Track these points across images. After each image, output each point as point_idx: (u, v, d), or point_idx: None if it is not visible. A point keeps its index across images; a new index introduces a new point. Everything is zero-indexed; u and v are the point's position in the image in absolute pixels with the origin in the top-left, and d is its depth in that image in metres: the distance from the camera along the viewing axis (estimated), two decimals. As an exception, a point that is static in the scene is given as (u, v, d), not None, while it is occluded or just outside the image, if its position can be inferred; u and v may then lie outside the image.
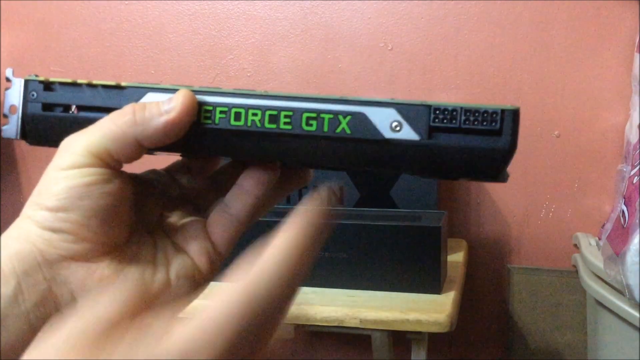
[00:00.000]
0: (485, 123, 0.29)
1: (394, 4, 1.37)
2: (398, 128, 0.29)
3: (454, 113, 0.29)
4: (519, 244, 1.40)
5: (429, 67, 1.37)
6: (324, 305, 1.00)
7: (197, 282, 0.35)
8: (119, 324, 0.23)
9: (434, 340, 1.23)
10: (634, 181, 1.03)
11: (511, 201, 1.38)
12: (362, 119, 0.30)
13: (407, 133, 0.29)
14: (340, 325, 0.99)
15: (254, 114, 0.31)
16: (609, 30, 1.28)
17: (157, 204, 0.37)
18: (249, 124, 0.31)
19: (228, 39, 1.45)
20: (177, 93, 0.32)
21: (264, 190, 0.36)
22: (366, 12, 1.38)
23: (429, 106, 0.29)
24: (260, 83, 1.44)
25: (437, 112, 0.29)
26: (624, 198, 1.05)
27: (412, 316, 0.96)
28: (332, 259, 1.06)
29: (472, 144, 0.29)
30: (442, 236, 1.03)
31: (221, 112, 0.31)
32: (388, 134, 0.30)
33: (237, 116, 0.31)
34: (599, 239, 1.25)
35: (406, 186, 1.21)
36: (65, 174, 0.31)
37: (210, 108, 0.31)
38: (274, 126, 0.31)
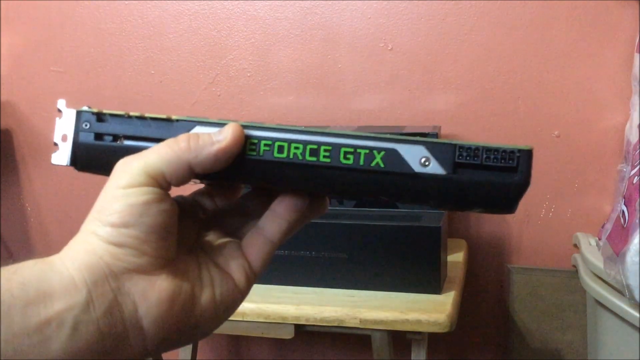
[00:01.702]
0: (503, 161, 0.34)
1: (394, 4, 1.37)
2: (427, 163, 0.33)
3: (477, 151, 0.33)
4: (519, 244, 1.40)
5: (429, 67, 1.37)
6: (324, 305, 1.00)
7: (235, 301, 0.39)
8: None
9: (434, 340, 1.23)
10: (634, 181, 1.03)
11: (511, 201, 1.38)
12: (394, 154, 0.33)
13: (435, 168, 0.33)
14: (340, 325, 0.99)
15: (296, 147, 0.34)
16: (609, 30, 1.28)
17: (194, 225, 0.41)
18: (291, 156, 0.34)
19: (228, 39, 1.45)
20: (227, 126, 0.35)
21: (297, 215, 0.39)
22: (366, 12, 1.38)
23: (454, 145, 0.33)
24: (260, 83, 1.44)
25: (462, 150, 0.33)
26: (624, 198, 1.05)
27: (412, 316, 0.96)
28: (332, 259, 1.06)
29: (491, 179, 0.34)
30: (442, 236, 1.03)
31: (266, 144, 0.35)
32: (417, 169, 0.33)
33: (280, 149, 0.35)
34: (599, 239, 1.25)
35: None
36: (124, 192, 0.34)
37: (256, 141, 0.35)
38: (314, 159, 0.35)
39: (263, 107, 1.45)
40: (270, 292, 1.06)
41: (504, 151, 0.34)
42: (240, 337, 1.57)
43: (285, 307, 1.00)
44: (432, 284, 1.03)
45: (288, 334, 1.03)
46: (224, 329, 1.07)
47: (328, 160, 0.34)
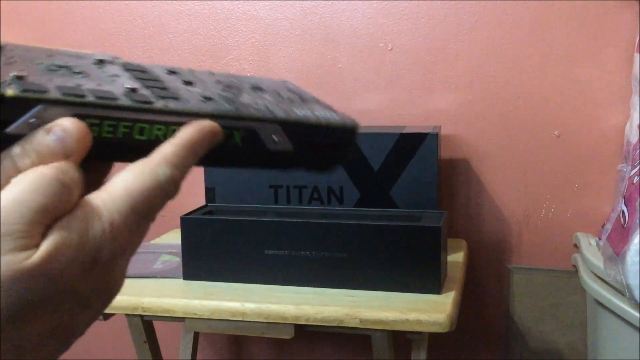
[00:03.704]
0: (338, 138, 0.38)
1: (394, 4, 1.37)
2: (279, 140, 0.36)
3: (318, 129, 0.37)
4: (519, 244, 1.40)
5: (429, 67, 1.37)
6: (324, 305, 1.00)
7: None
8: None
9: (434, 340, 1.23)
10: (634, 181, 1.03)
11: (511, 201, 1.38)
12: (252, 134, 0.35)
13: (284, 145, 0.36)
14: (340, 325, 0.99)
15: (159, 129, 0.32)
16: (609, 30, 1.28)
17: None
18: (152, 137, 0.32)
19: (228, 39, 1.45)
20: (68, 131, 0.28)
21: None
22: (366, 12, 1.38)
23: (302, 124, 0.36)
24: (260, 83, 1.44)
25: (308, 128, 0.37)
26: (624, 198, 1.05)
27: (412, 316, 0.96)
28: (332, 259, 1.06)
29: (328, 152, 0.38)
30: (442, 236, 1.03)
31: (125, 126, 0.31)
32: (271, 146, 0.36)
33: (142, 131, 0.32)
34: (599, 239, 1.25)
35: (406, 186, 1.21)
36: None
37: (115, 123, 0.31)
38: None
39: (263, 107, 1.45)
40: (270, 292, 1.06)
41: (339, 129, 0.38)
42: (240, 337, 1.57)
43: (285, 307, 1.00)
44: (432, 284, 1.02)
45: (288, 334, 1.03)
46: (224, 329, 1.07)
47: None
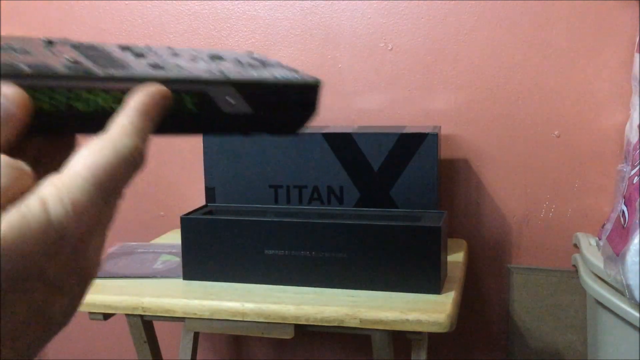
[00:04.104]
0: (300, 96, 0.37)
1: (394, 4, 1.37)
2: (233, 103, 0.34)
3: (277, 88, 0.35)
4: (519, 244, 1.40)
5: (429, 67, 1.37)
6: (324, 305, 1.00)
7: None
8: None
9: (434, 340, 1.23)
10: (634, 181, 1.03)
11: (511, 201, 1.38)
12: (204, 97, 0.34)
13: (241, 107, 0.34)
14: (340, 325, 0.99)
15: (103, 99, 0.31)
16: (609, 30, 1.28)
17: None
18: (98, 107, 0.31)
19: (228, 39, 1.45)
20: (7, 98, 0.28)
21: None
22: (366, 12, 1.38)
23: (258, 83, 0.35)
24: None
25: (265, 88, 0.35)
26: (624, 198, 1.05)
27: (412, 316, 0.96)
28: (332, 259, 1.06)
29: (289, 113, 0.37)
30: (442, 236, 1.03)
31: (65, 97, 0.30)
32: (226, 109, 0.34)
33: (84, 101, 0.31)
34: (599, 239, 1.25)
35: (406, 186, 1.21)
36: None
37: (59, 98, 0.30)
38: (119, 107, 0.32)
39: (263, 107, 1.45)
40: (270, 292, 1.06)
41: (299, 87, 0.37)
42: (240, 337, 1.57)
43: (285, 307, 1.00)
44: (432, 284, 1.03)
45: (288, 334, 1.03)
46: (224, 329, 1.07)
47: None
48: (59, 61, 0.31)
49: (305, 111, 0.37)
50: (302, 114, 0.37)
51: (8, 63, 0.29)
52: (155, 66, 0.34)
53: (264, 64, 0.39)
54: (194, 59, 0.37)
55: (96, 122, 0.30)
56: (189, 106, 0.33)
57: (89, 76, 0.31)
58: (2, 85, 0.27)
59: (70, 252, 0.27)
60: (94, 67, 0.32)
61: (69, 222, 0.26)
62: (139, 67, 0.33)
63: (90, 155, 0.28)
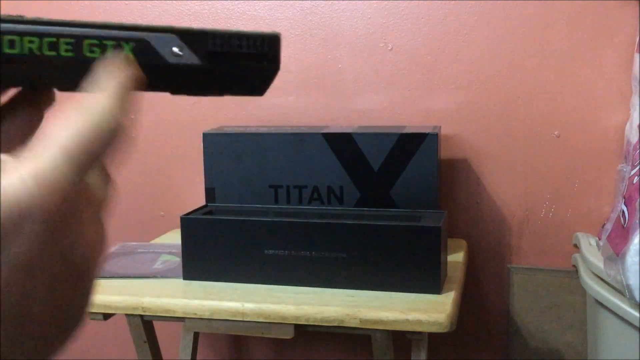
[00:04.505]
0: (254, 48, 0.33)
1: (394, 4, 1.37)
2: (180, 53, 0.32)
3: (229, 39, 0.33)
4: (519, 244, 1.40)
5: (429, 67, 1.37)
6: (324, 305, 1.00)
7: None
8: None
9: (434, 340, 1.23)
10: (634, 181, 1.03)
11: (511, 201, 1.38)
12: (145, 45, 0.31)
13: (189, 58, 0.32)
14: (340, 325, 0.99)
15: (31, 42, 0.30)
16: (609, 30, 1.28)
17: None
18: (26, 51, 0.30)
19: (228, 39, 1.45)
20: None
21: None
22: (366, 12, 1.38)
23: (206, 33, 0.32)
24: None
25: (215, 38, 0.33)
26: (624, 198, 1.05)
27: (412, 316, 0.96)
28: (332, 259, 1.06)
29: (244, 66, 0.34)
30: (442, 236, 1.03)
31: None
32: (171, 59, 0.32)
33: (12, 44, 0.30)
34: (599, 239, 1.25)
35: (406, 186, 1.21)
36: None
37: None
38: (54, 53, 0.31)
39: (263, 107, 1.45)
40: (270, 292, 1.06)
41: (255, 38, 0.33)
42: (240, 337, 1.57)
43: (285, 307, 1.00)
44: (432, 284, 1.03)
45: (288, 334, 1.03)
46: (224, 329, 1.07)
47: (71, 54, 0.31)
48: None
49: (266, 67, 0.34)
50: (263, 70, 0.34)
51: None
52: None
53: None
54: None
55: (30, 70, 0.30)
56: (126, 52, 0.31)
57: (17, 20, 0.30)
58: None
59: (49, 237, 0.24)
60: (24, 17, 0.31)
61: (33, 200, 0.23)
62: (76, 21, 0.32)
63: (61, 126, 0.25)
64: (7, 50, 0.30)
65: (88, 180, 0.26)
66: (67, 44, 0.31)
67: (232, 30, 0.33)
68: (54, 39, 0.31)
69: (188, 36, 0.32)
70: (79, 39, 0.31)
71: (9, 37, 0.30)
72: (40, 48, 0.30)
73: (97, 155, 0.26)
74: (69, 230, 0.25)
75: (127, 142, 0.27)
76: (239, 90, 0.35)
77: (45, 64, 0.31)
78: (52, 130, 0.25)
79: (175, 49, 0.32)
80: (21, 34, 0.30)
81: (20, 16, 0.31)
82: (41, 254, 0.24)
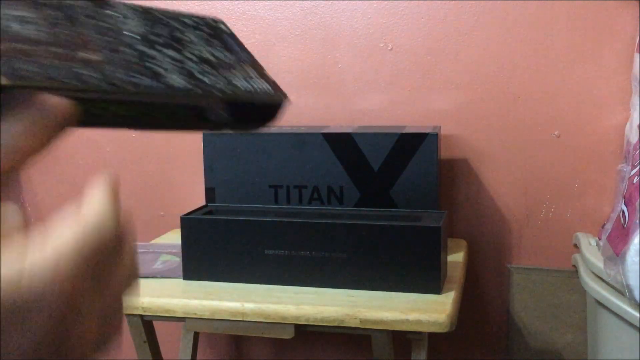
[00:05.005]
0: (268, 108, 0.41)
1: (394, 4, 1.37)
2: (219, 113, 0.39)
3: (252, 102, 0.40)
4: (519, 244, 1.40)
5: (429, 67, 1.37)
6: (324, 305, 1.00)
7: None
8: None
9: (434, 340, 1.23)
10: (634, 181, 1.03)
11: (511, 201, 1.38)
12: (201, 110, 0.39)
13: (222, 116, 0.39)
14: (340, 325, 0.99)
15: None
16: (609, 30, 1.28)
17: None
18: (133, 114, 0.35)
19: (228, 39, 1.45)
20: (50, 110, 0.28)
21: None
22: (366, 12, 1.38)
23: (238, 99, 0.39)
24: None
25: (243, 101, 0.39)
26: (624, 198, 1.05)
27: (412, 316, 0.96)
28: (332, 259, 1.06)
29: (256, 119, 0.42)
30: (442, 236, 1.03)
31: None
32: (211, 117, 0.39)
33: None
34: (599, 239, 1.25)
35: (406, 186, 1.21)
36: None
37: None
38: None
39: (263, 107, 1.45)
40: (270, 292, 1.06)
41: (271, 103, 0.41)
42: (240, 337, 1.57)
43: (285, 307, 1.00)
44: (432, 284, 1.03)
45: (288, 334, 1.03)
46: (224, 329, 1.07)
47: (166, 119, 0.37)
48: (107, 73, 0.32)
49: (268, 118, 0.41)
50: (266, 120, 0.41)
51: (70, 75, 0.30)
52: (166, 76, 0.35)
53: (237, 59, 0.42)
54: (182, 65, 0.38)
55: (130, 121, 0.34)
56: (181, 114, 0.36)
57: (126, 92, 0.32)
58: (52, 97, 0.28)
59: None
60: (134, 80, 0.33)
61: (44, 293, 0.25)
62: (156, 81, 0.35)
63: (73, 234, 0.27)
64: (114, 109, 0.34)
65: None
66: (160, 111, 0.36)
67: (258, 94, 0.40)
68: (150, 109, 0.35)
69: (229, 102, 0.38)
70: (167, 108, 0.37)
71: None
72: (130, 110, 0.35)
73: (104, 261, 0.28)
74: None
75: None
76: (240, 128, 0.41)
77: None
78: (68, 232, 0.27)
79: (218, 110, 0.39)
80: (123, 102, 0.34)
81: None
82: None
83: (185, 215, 1.13)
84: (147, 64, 0.35)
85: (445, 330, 0.96)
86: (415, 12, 1.36)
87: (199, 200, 1.29)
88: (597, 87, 1.31)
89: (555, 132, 1.34)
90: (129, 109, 0.34)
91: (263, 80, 0.41)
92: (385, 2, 1.37)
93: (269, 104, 0.41)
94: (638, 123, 1.16)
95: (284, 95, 0.42)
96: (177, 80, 0.35)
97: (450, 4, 1.34)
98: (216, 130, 0.40)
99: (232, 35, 0.44)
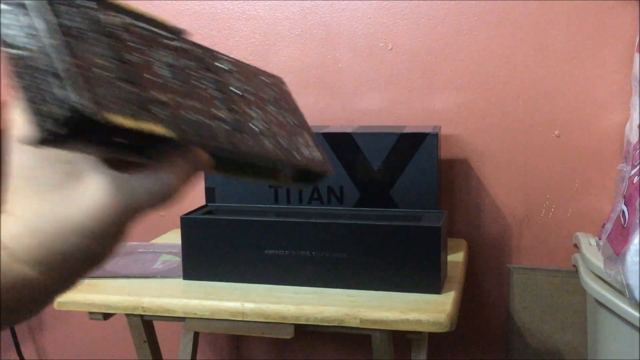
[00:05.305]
0: (316, 176, 0.51)
1: (394, 4, 1.37)
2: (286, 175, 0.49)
3: (309, 171, 0.49)
4: (519, 244, 1.40)
5: (429, 67, 1.37)
6: (324, 305, 1.00)
7: None
8: None
9: (434, 340, 1.23)
10: (634, 181, 1.03)
11: (511, 201, 1.38)
12: (277, 171, 0.47)
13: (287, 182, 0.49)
14: (340, 325, 0.99)
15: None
16: (609, 30, 1.28)
17: None
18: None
19: (228, 39, 1.45)
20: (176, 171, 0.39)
21: None
22: (366, 12, 1.38)
23: (307, 171, 0.50)
24: (260, 83, 1.44)
25: (310, 174, 0.50)
26: (624, 198, 1.05)
27: (412, 316, 0.96)
28: (332, 259, 1.06)
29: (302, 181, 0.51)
30: (442, 236, 1.03)
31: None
32: (279, 181, 0.48)
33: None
34: (599, 239, 1.25)
35: (406, 186, 1.21)
36: None
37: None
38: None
39: (263, 107, 1.45)
40: (270, 292, 1.06)
41: (320, 175, 0.49)
42: (240, 337, 1.57)
43: (285, 307, 1.00)
44: (432, 284, 1.03)
45: (288, 334, 1.03)
46: (224, 329, 1.07)
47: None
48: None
49: (312, 180, 0.49)
50: (310, 181, 0.49)
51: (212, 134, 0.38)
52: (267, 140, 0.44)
53: (299, 124, 0.50)
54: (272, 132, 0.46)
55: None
56: (257, 167, 0.43)
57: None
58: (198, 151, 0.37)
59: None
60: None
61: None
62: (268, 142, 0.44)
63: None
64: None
65: None
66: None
67: (317, 169, 0.48)
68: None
69: (298, 169, 0.47)
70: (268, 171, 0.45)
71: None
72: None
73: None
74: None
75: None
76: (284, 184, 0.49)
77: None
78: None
79: (285, 171, 0.46)
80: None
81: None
82: None
83: (185, 215, 1.13)
84: (250, 124, 0.42)
85: (445, 330, 0.96)
86: (415, 12, 1.36)
87: (199, 200, 1.29)
88: (597, 87, 1.31)
89: (555, 132, 1.34)
90: (231, 161, 0.41)
91: (316, 149, 0.49)
92: (385, 2, 1.37)
93: (318, 173, 0.48)
94: (638, 123, 1.16)
95: (330, 168, 0.49)
96: (267, 144, 0.42)
97: (450, 4, 1.34)
98: (279, 186, 0.47)
99: (291, 95, 0.52)
